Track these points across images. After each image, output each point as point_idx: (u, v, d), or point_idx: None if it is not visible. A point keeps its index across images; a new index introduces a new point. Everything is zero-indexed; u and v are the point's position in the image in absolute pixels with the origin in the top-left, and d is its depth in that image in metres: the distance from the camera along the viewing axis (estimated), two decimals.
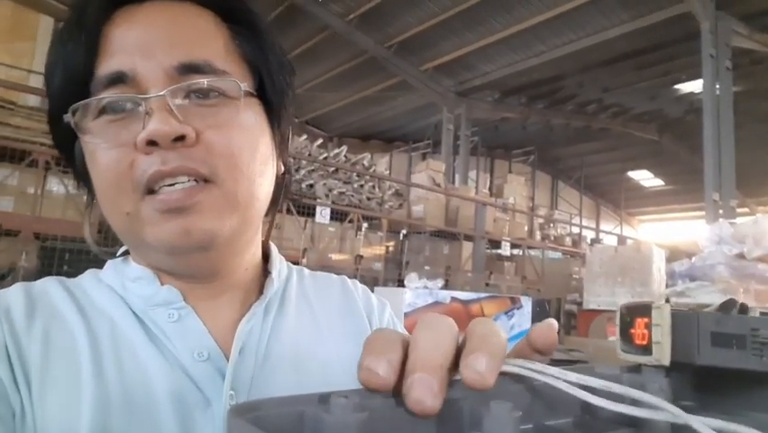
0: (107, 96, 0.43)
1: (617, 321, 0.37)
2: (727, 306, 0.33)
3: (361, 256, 5.83)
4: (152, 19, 0.45)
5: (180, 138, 0.41)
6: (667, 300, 0.36)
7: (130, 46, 0.43)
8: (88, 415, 0.40)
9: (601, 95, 10.13)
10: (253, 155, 0.46)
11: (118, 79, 0.42)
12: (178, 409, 0.43)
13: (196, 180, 0.42)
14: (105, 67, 0.43)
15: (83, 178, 0.48)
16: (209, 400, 0.44)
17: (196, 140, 0.42)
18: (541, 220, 10.03)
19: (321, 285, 0.61)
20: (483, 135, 11.59)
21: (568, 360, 3.52)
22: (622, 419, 0.30)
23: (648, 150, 12.35)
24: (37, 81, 8.61)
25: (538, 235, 9.41)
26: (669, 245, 6.23)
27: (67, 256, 3.25)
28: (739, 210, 6.23)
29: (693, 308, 0.33)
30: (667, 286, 3.75)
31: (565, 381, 0.29)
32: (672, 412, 0.26)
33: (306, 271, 0.62)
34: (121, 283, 0.49)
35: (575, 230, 11.04)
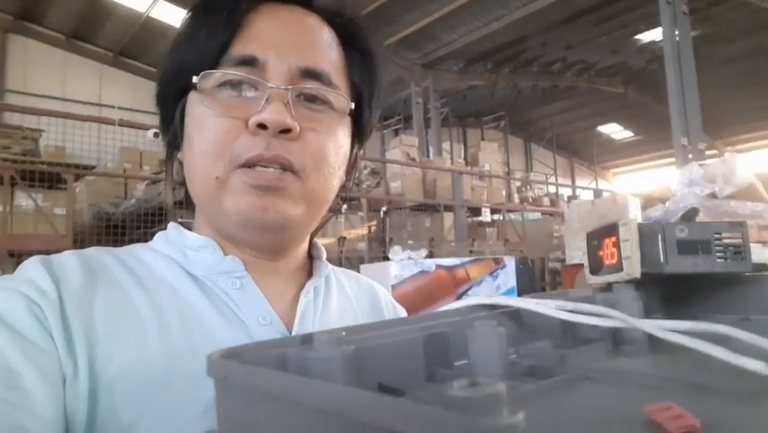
0: (239, 72, 0.48)
1: (584, 249, 0.38)
2: (690, 215, 0.35)
3: (344, 238, 5.82)
4: (291, 22, 0.51)
5: (286, 130, 0.46)
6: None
7: (268, 38, 0.49)
8: (158, 373, 0.42)
9: (565, 53, 10.17)
10: (335, 164, 0.51)
11: (249, 62, 0.48)
12: None
13: (284, 169, 0.47)
14: (241, 48, 0.48)
15: (173, 135, 0.52)
16: None
17: (298, 136, 0.47)
18: (518, 183, 10.11)
19: (352, 281, 0.66)
20: (453, 105, 11.58)
21: None
22: (598, 336, 0.31)
23: (616, 103, 12.48)
24: None
25: (516, 199, 9.49)
26: (644, 194, 6.35)
27: None
28: (708, 153, 6.35)
29: (656, 221, 0.35)
30: None
31: (525, 308, 0.30)
32: (618, 318, 0.27)
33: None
34: (180, 252, 0.52)
35: (552, 189, 11.16)
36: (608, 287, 0.37)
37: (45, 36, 9.15)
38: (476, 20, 8.73)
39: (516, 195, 9.56)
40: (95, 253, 0.50)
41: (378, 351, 0.25)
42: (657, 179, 13.49)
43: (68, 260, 0.48)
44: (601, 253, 0.37)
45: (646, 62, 10.35)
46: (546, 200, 10.25)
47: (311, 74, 0.49)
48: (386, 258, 5.26)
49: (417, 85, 10.16)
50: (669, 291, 0.36)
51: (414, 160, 7.29)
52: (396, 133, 11.69)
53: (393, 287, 2.08)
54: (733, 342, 0.24)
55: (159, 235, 0.55)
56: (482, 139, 12.05)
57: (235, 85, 0.48)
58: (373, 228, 6.72)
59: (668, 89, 6.03)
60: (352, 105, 0.52)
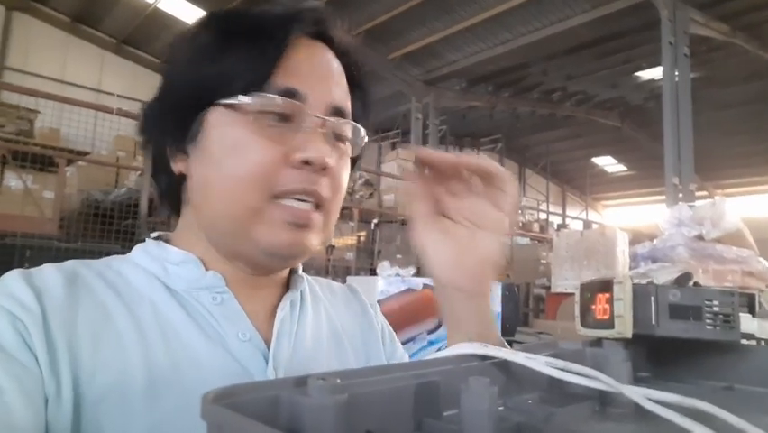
0: (282, 100, 0.48)
1: (577, 299, 0.39)
2: (683, 279, 0.35)
3: (333, 246, 5.81)
4: (323, 59, 0.53)
5: (325, 168, 0.49)
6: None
7: (307, 73, 0.50)
8: (140, 391, 0.42)
9: (565, 83, 10.29)
10: (343, 194, 0.55)
11: (291, 95, 0.49)
12: (226, 384, 0.45)
13: (314, 204, 0.50)
14: (285, 80, 0.49)
15: (174, 152, 0.52)
16: (252, 376, 0.48)
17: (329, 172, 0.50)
18: None
19: (327, 290, 0.67)
20: (451, 124, 11.65)
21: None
22: (585, 394, 0.32)
23: (611, 136, 12.63)
24: None
25: None
26: (632, 229, 6.42)
27: (27, 253, 3.14)
28: (698, 194, 6.44)
29: (651, 282, 0.35)
30: (630, 268, 3.86)
31: (516, 362, 0.30)
32: (607, 383, 0.27)
33: (307, 275, 0.67)
34: (161, 266, 0.51)
35: (542, 216, 11.24)
36: (597, 341, 0.37)
37: (50, 17, 9.11)
38: (481, 42, 8.82)
39: None
40: (74, 266, 0.50)
41: (369, 398, 0.25)
42: (646, 215, 13.63)
43: (50, 274, 0.47)
44: (593, 307, 0.37)
45: (644, 99, 10.50)
46: (536, 226, 10.32)
47: (339, 112, 0.52)
48: (373, 270, 5.25)
49: (418, 100, 10.22)
50: (658, 352, 0.37)
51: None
52: (393, 146, 11.73)
53: (379, 302, 2.08)
54: (717, 420, 0.24)
55: (138, 248, 0.54)
56: None
57: (278, 117, 0.49)
58: (362, 239, 6.72)
59: (664, 128, 6.12)
60: (366, 140, 0.56)
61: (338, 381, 0.23)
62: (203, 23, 0.52)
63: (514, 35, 8.45)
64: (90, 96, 7.75)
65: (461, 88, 10.61)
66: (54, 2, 8.97)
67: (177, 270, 0.51)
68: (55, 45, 9.07)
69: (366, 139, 0.56)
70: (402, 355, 0.69)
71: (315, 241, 0.51)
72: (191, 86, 0.50)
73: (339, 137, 0.53)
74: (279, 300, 0.55)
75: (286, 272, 0.59)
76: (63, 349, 0.42)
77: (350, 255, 6.15)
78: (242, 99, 0.48)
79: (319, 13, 0.54)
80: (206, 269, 0.52)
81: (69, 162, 4.80)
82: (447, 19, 8.22)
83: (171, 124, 0.52)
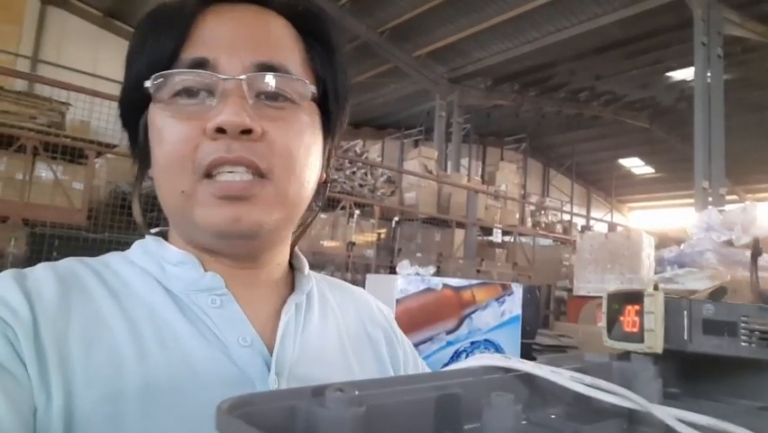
0: (187, 73, 0.45)
1: (604, 309, 0.37)
2: (718, 293, 0.34)
3: (353, 243, 5.82)
4: (240, 20, 0.49)
5: (247, 131, 0.44)
6: (656, 287, 0.36)
7: (217, 39, 0.47)
8: (134, 401, 0.40)
9: (593, 82, 10.12)
10: (307, 160, 0.49)
11: (200, 65, 0.46)
12: (225, 392, 0.43)
13: (252, 174, 0.45)
14: (191, 52, 0.46)
15: (140, 152, 0.51)
16: (254, 383, 0.46)
17: (261, 136, 0.45)
18: (532, 207, 10.06)
19: (337, 292, 0.63)
20: (475, 122, 11.56)
21: (558, 345, 3.56)
22: (612, 410, 0.30)
23: (639, 137, 12.39)
24: (23, 65, 8.47)
25: (529, 222, 9.44)
26: (658, 232, 6.29)
27: (56, 242, 3.20)
28: (728, 198, 6.28)
29: (684, 295, 0.34)
30: (656, 272, 3.78)
31: (540, 375, 0.29)
32: (637, 402, 0.26)
33: (318, 274, 0.64)
34: (158, 265, 0.50)
35: (566, 217, 11.09)
36: (625, 355, 0.36)
37: (82, 11, 9.30)
38: (507, 40, 8.73)
39: (529, 219, 9.52)
40: (71, 265, 0.48)
41: (388, 411, 0.24)
42: (673, 219, 13.34)
43: (43, 275, 0.45)
44: (622, 318, 0.36)
45: (675, 100, 10.27)
46: (559, 227, 10.18)
47: (267, 68, 0.47)
48: (392, 268, 5.25)
49: (442, 98, 10.17)
50: (689, 369, 0.35)
51: (431, 172, 7.29)
52: (416, 143, 11.70)
53: (398, 301, 2.07)
54: None
55: (137, 245, 0.53)
56: (502, 159, 12.02)
57: (191, 93, 0.46)
58: (383, 237, 6.72)
59: (694, 130, 5.98)
60: (313, 89, 0.49)
61: (356, 392, 0.22)
62: (136, 26, 0.51)
63: (542, 34, 8.34)
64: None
65: (486, 87, 10.51)
66: None
67: (175, 270, 0.49)
68: (87, 39, 9.26)
69: (312, 89, 0.49)
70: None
71: (269, 215, 0.46)
72: (127, 92, 0.50)
73: (277, 98, 0.47)
74: (284, 302, 0.53)
75: (283, 268, 0.56)
76: (54, 358, 0.40)
77: (370, 252, 6.15)
78: (147, 84, 0.46)
79: None
80: (205, 269, 0.49)
81: (99, 154, 4.89)
82: (474, 17, 8.15)
83: (130, 135, 0.52)
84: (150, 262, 0.50)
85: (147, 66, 0.46)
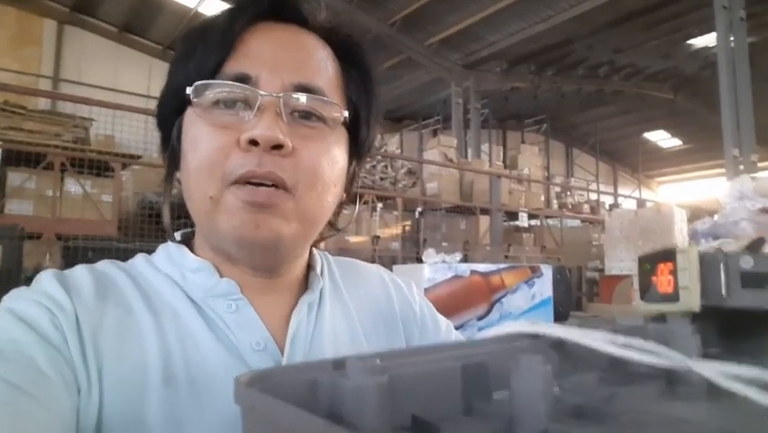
0: (228, 85, 0.48)
1: (636, 272, 0.36)
2: (756, 245, 0.32)
3: (378, 237, 5.83)
4: (284, 40, 0.51)
5: (279, 147, 0.46)
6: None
7: (260, 57, 0.49)
8: (157, 401, 0.43)
9: (612, 56, 9.90)
10: (330, 180, 0.51)
11: (241, 79, 0.48)
12: None
13: (276, 187, 0.47)
14: (234, 66, 0.48)
15: (172, 154, 0.53)
16: None
17: (291, 152, 0.47)
18: (557, 189, 9.92)
19: (350, 275, 0.64)
20: (493, 107, 11.44)
21: None
22: (649, 372, 0.29)
23: (664, 110, 12.08)
24: (45, 85, 8.69)
25: (555, 204, 9.32)
26: (690, 205, 6.13)
27: (90, 254, 3.29)
28: (760, 165, 6.07)
29: (719, 250, 0.32)
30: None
31: (572, 340, 0.28)
32: (674, 359, 0.25)
33: (331, 257, 0.65)
34: (179, 273, 0.52)
35: (593, 196, 10.90)
36: (660, 316, 0.34)
37: (99, 28, 9.49)
38: (521, 21, 8.59)
39: (555, 201, 9.39)
40: (106, 267, 0.51)
41: (412, 380, 0.23)
42: (705, 191, 12.99)
43: (82, 275, 0.49)
44: (654, 279, 0.34)
45: (699, 68, 9.98)
46: (586, 207, 10.02)
47: (304, 89, 0.49)
48: (419, 259, 5.24)
49: (458, 85, 10.08)
50: (728, 326, 0.34)
51: (451, 161, 7.24)
52: (434, 133, 11.63)
53: (426, 290, 2.06)
54: None
55: (161, 249, 0.55)
56: (522, 142, 11.86)
57: (229, 104, 0.48)
58: (407, 228, 6.71)
59: (720, 98, 5.79)
60: (346, 114, 0.52)
61: (377, 361, 0.22)
62: (182, 34, 0.53)
63: (555, 11, 8.18)
64: (140, 102, 8.03)
65: (501, 70, 10.37)
66: (102, 13, 9.34)
67: (193, 277, 0.51)
68: (106, 55, 9.45)
69: (345, 114, 0.52)
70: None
71: (287, 227, 0.48)
72: (168, 97, 0.52)
73: (310, 117, 0.49)
74: (297, 302, 0.55)
75: (300, 272, 0.57)
76: (90, 347, 0.43)
77: (395, 245, 6.15)
78: (189, 91, 0.48)
79: None
80: (221, 275, 0.52)
81: (124, 166, 5.00)
82: (484, 0, 8.03)
83: (164, 136, 0.54)
84: (172, 268, 0.52)
85: (191, 73, 0.49)
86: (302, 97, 0.49)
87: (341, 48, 0.55)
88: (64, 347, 0.42)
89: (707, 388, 0.27)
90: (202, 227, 0.53)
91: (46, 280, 0.47)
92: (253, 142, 0.46)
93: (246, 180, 0.46)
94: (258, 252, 0.50)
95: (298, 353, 0.51)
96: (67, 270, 0.49)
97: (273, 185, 0.47)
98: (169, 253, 0.54)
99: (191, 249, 0.54)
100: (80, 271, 0.49)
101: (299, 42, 0.52)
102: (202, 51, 0.49)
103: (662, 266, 0.33)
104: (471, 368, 0.25)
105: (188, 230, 0.58)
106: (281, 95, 0.47)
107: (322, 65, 0.52)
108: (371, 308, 0.61)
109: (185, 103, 0.49)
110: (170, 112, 0.52)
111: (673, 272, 0.32)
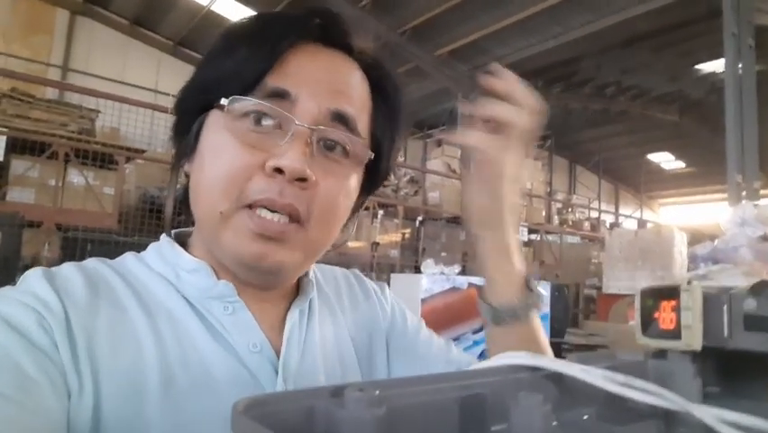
0: (268, 104, 0.47)
1: (637, 305, 0.36)
2: (759, 287, 0.32)
3: (378, 243, 5.83)
4: (328, 63, 0.51)
5: (302, 179, 0.46)
6: (689, 283, 0.34)
7: (302, 76, 0.49)
8: (154, 400, 0.43)
9: (620, 77, 9.92)
10: (342, 215, 0.52)
11: (280, 95, 0.48)
12: (239, 395, 0.46)
13: (290, 218, 0.47)
14: (275, 81, 0.48)
15: (186, 144, 0.52)
16: (264, 388, 0.47)
17: (311, 185, 0.47)
18: (559, 205, 9.93)
19: (330, 280, 0.65)
20: None
21: (588, 344, 3.49)
22: (648, 411, 0.29)
23: (669, 132, 12.10)
24: (54, 74, 8.71)
25: (556, 220, 9.32)
26: (690, 228, 6.12)
27: (88, 246, 3.29)
28: (763, 192, 6.06)
29: (722, 290, 0.32)
30: (688, 269, 3.68)
31: (571, 375, 0.27)
32: (674, 401, 0.24)
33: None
34: (174, 272, 0.51)
35: (594, 214, 10.90)
36: (661, 353, 0.34)
37: (110, 20, 9.52)
38: (530, 36, 8.62)
39: (556, 216, 9.39)
40: (96, 266, 0.50)
41: (411, 412, 0.23)
42: (706, 215, 12.98)
43: (71, 274, 0.47)
44: (657, 315, 0.34)
45: (705, 93, 10.00)
46: (587, 225, 10.03)
47: (339, 118, 0.49)
48: (417, 268, 5.23)
49: (465, 96, 10.10)
50: (729, 367, 0.33)
51: (455, 171, 7.25)
52: (439, 143, 11.65)
53: (423, 301, 2.06)
54: None
55: (152, 248, 0.55)
56: (526, 156, 11.85)
57: (261, 117, 0.48)
58: (407, 236, 6.71)
59: (726, 123, 5.80)
60: (371, 155, 0.53)
61: (377, 392, 0.21)
62: (221, 32, 0.52)
63: (565, 29, 8.21)
64: (148, 97, 8.05)
65: None
66: (115, 6, 9.38)
67: (189, 277, 0.51)
68: (115, 47, 9.48)
69: (370, 155, 0.52)
70: (428, 336, 0.67)
71: (291, 256, 0.49)
72: (196, 88, 0.51)
73: (334, 148, 0.50)
74: (290, 306, 0.55)
75: (294, 281, 0.58)
76: (83, 349, 0.42)
77: (394, 252, 6.15)
78: (224, 101, 0.47)
79: (332, 20, 0.52)
80: (218, 277, 0.51)
81: (128, 160, 5.01)
82: (496, 14, 8.07)
83: (180, 124, 0.53)
84: (165, 267, 0.52)
85: (229, 77, 0.48)
86: (333, 133, 0.49)
87: (377, 81, 0.55)
88: (52, 350, 0.41)
89: (705, 431, 0.27)
90: (204, 235, 0.52)
91: (34, 279, 0.45)
92: (279, 171, 0.46)
93: (263, 205, 0.46)
94: (257, 275, 0.50)
95: (293, 357, 0.52)
96: (55, 268, 0.48)
97: (288, 215, 0.47)
98: (162, 252, 0.53)
99: (185, 248, 0.54)
100: (69, 270, 0.48)
101: (341, 69, 0.52)
102: (245, 58, 0.48)
103: (664, 303, 0.33)
104: (470, 400, 0.25)
105: (184, 229, 0.58)
106: (315, 128, 0.47)
107: (358, 94, 0.52)
108: (353, 311, 0.63)
109: (212, 100, 0.49)
110: (194, 105, 0.51)
111: (676, 310, 0.32)
